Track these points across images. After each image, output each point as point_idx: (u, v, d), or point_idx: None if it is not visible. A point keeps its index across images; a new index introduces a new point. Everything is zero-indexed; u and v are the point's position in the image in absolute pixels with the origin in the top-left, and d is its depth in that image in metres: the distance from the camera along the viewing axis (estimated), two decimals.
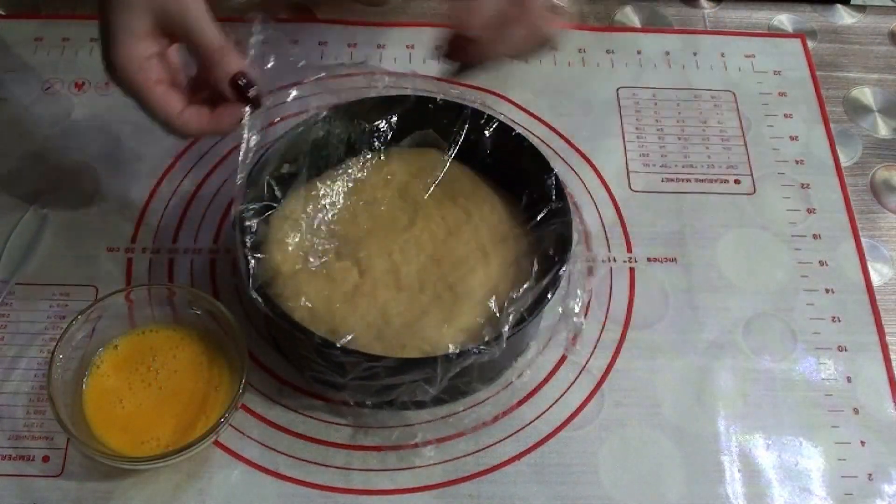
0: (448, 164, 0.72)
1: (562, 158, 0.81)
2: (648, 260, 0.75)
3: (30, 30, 0.87)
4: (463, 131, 0.73)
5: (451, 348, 0.63)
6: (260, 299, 0.62)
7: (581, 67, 0.88)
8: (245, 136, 0.61)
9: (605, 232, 0.77)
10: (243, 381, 0.61)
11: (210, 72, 0.58)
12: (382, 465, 0.64)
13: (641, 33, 0.92)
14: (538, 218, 0.71)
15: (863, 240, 0.78)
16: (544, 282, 0.65)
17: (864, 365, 0.71)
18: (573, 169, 0.81)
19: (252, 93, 0.59)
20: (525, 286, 0.67)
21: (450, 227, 0.68)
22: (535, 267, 0.68)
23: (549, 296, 0.63)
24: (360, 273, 0.66)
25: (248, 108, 0.60)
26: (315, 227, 0.68)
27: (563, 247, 0.65)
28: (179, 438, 0.61)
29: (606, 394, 0.68)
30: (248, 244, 0.64)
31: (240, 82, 0.59)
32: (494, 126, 0.72)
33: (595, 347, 0.70)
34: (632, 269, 0.75)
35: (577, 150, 0.82)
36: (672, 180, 0.81)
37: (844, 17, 0.96)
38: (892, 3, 1.01)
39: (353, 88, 0.84)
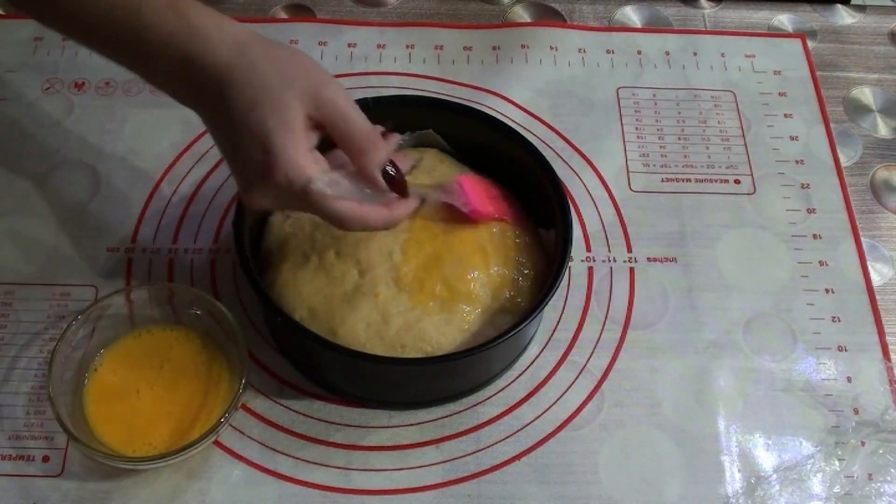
0: (448, 164, 0.72)
1: (562, 158, 0.81)
2: (648, 260, 0.75)
3: (30, 30, 0.87)
4: (463, 131, 0.73)
5: (451, 348, 0.63)
6: (260, 299, 0.62)
7: (581, 67, 0.88)
8: None
9: (605, 232, 0.77)
10: (243, 381, 0.61)
11: (359, 162, 0.56)
12: (382, 465, 0.64)
13: (641, 33, 0.92)
14: (538, 218, 0.71)
15: (863, 240, 0.78)
16: (544, 282, 0.65)
17: (864, 365, 0.71)
18: (573, 169, 0.81)
19: (406, 186, 0.59)
20: (525, 286, 0.67)
21: (450, 227, 0.68)
22: (535, 267, 0.68)
23: (549, 296, 0.63)
24: (360, 273, 0.66)
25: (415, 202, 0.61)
26: (315, 226, 0.68)
27: (563, 247, 0.65)
28: (179, 438, 0.61)
29: (606, 394, 0.68)
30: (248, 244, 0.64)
31: (389, 171, 0.58)
32: (495, 126, 0.72)
33: (595, 347, 0.70)
34: (632, 269, 0.75)
35: (577, 150, 0.82)
36: (672, 180, 0.81)
37: (844, 17, 0.96)
38: (892, 3, 1.01)
39: (353, 88, 0.85)
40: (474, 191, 0.67)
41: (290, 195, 0.54)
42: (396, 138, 0.60)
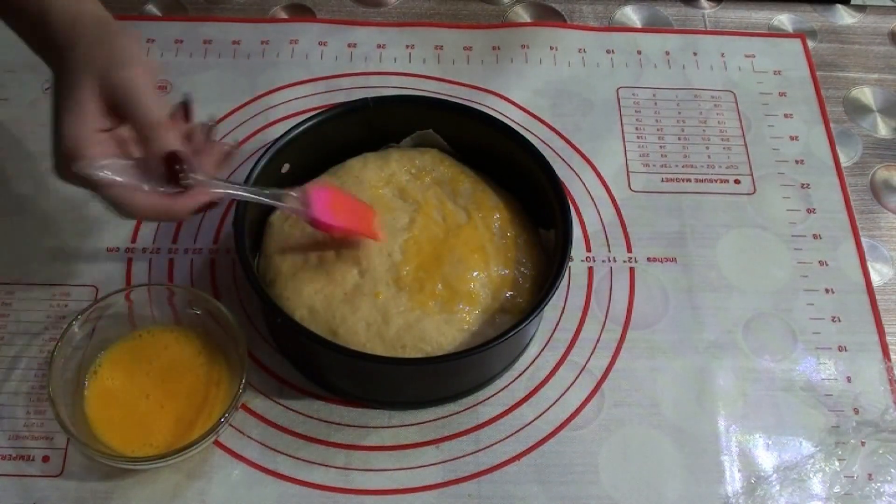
0: (448, 164, 0.73)
1: (562, 158, 0.81)
2: (648, 260, 0.75)
3: None
4: (463, 131, 0.73)
5: (451, 348, 0.63)
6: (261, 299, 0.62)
7: (581, 67, 0.88)
8: None
9: (605, 232, 0.77)
10: (243, 381, 0.61)
11: (144, 149, 0.55)
12: (382, 465, 0.64)
13: (641, 33, 0.92)
14: (538, 218, 0.71)
15: (863, 240, 0.78)
16: (544, 282, 0.65)
17: (864, 365, 0.71)
18: (573, 169, 0.81)
19: (185, 179, 0.55)
20: (525, 286, 0.67)
21: (450, 228, 0.68)
22: (535, 267, 0.68)
23: (549, 296, 0.63)
24: (360, 273, 0.66)
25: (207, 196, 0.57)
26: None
27: (563, 247, 0.65)
28: (179, 438, 0.61)
29: (606, 394, 0.68)
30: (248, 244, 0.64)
31: (175, 166, 0.55)
32: (495, 126, 0.72)
33: (595, 347, 0.70)
34: (632, 269, 0.75)
35: (577, 150, 0.82)
36: (672, 180, 0.81)
37: (844, 17, 0.96)
38: (892, 3, 1.01)
39: (353, 88, 0.85)
40: (321, 200, 0.64)
41: (78, 178, 0.54)
42: (197, 124, 0.59)
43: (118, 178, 0.54)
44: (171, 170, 0.55)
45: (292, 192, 0.63)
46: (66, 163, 0.54)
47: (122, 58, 0.55)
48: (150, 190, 0.55)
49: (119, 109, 0.55)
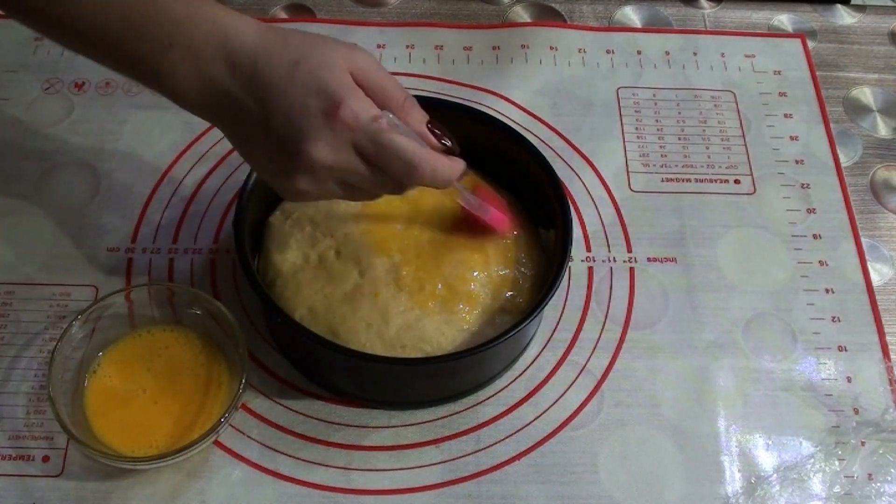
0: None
1: (562, 158, 0.81)
2: (648, 260, 0.75)
3: (30, 30, 0.87)
4: (463, 131, 0.73)
5: (451, 348, 0.63)
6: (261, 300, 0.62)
7: (581, 67, 0.88)
8: None
9: (605, 232, 0.77)
10: (243, 381, 0.61)
11: (405, 118, 0.56)
12: (382, 465, 0.64)
13: (641, 33, 0.92)
14: (538, 218, 0.71)
15: (863, 240, 0.78)
16: (544, 282, 0.65)
17: (864, 365, 0.71)
18: (573, 169, 0.81)
19: (447, 142, 0.58)
20: (525, 286, 0.67)
21: (450, 227, 0.68)
22: (535, 267, 0.68)
23: (549, 296, 0.63)
24: (360, 273, 0.66)
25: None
26: (315, 226, 0.68)
27: (563, 247, 0.65)
28: (179, 438, 0.61)
29: (606, 394, 0.68)
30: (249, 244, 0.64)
31: (435, 130, 0.57)
32: (495, 126, 0.72)
33: (595, 347, 0.70)
34: (632, 269, 0.75)
35: (577, 150, 0.82)
36: (672, 180, 0.81)
37: (844, 17, 0.96)
38: (892, 3, 1.01)
39: None
40: (494, 202, 0.67)
41: (357, 133, 0.52)
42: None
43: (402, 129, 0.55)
44: (439, 137, 0.57)
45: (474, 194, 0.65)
46: (353, 121, 0.52)
47: (350, 45, 0.55)
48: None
49: (366, 86, 0.54)
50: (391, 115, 0.54)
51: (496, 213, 0.67)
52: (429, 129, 0.57)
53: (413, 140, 0.55)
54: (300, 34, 0.55)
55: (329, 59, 0.53)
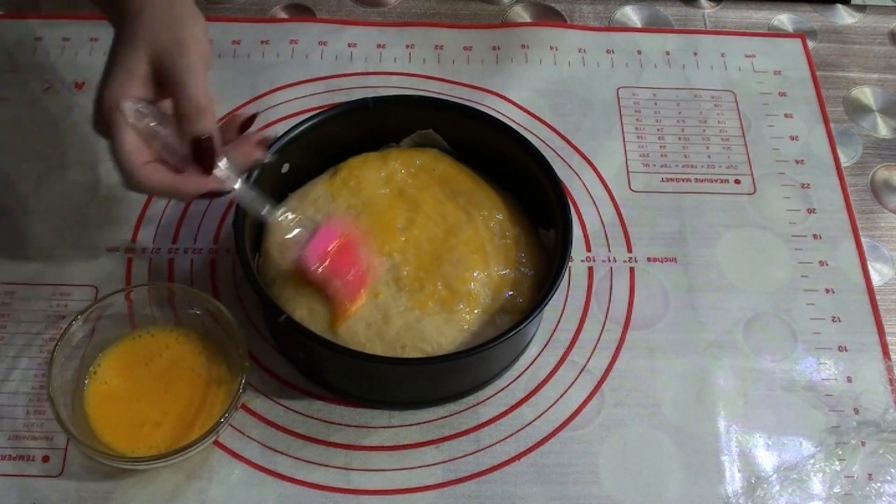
0: (448, 163, 0.73)
1: (562, 158, 0.81)
2: (648, 260, 0.75)
3: (30, 30, 0.87)
4: (463, 131, 0.73)
5: (451, 348, 0.63)
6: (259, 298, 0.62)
7: (581, 67, 0.88)
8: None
9: (605, 232, 0.77)
10: (243, 381, 0.61)
11: (180, 126, 0.56)
12: (382, 465, 0.64)
13: (641, 33, 0.92)
14: (538, 218, 0.71)
15: (863, 240, 0.78)
16: (544, 282, 0.65)
17: (864, 365, 0.71)
18: (573, 169, 0.81)
19: (213, 166, 0.57)
20: (525, 286, 0.67)
21: (450, 227, 0.68)
22: (535, 267, 0.68)
23: (549, 296, 0.63)
24: None
25: (221, 183, 0.58)
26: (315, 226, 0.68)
27: (563, 247, 0.65)
28: (179, 438, 0.61)
29: (606, 394, 0.68)
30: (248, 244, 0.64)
31: (203, 146, 0.56)
32: (494, 126, 0.72)
33: (595, 347, 0.70)
34: (632, 269, 0.75)
35: (577, 150, 0.82)
36: (672, 180, 0.81)
37: (844, 17, 0.96)
38: (892, 3, 1.01)
39: (353, 88, 0.85)
40: (323, 242, 0.63)
41: (101, 119, 0.56)
42: (258, 137, 0.60)
43: (141, 124, 0.55)
44: (198, 151, 0.56)
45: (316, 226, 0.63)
46: (103, 112, 0.55)
47: (185, 37, 0.56)
48: (164, 161, 0.56)
49: (168, 83, 0.56)
50: (139, 105, 0.55)
51: (311, 254, 0.62)
52: (196, 143, 0.56)
53: (162, 139, 0.56)
54: (165, 10, 0.57)
55: (134, 44, 0.56)
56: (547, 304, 0.63)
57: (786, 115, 0.86)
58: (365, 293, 0.64)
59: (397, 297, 0.64)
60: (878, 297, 0.75)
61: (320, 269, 0.62)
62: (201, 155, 0.56)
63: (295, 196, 0.71)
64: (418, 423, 0.66)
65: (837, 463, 0.66)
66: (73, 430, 0.59)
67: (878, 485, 0.65)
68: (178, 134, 0.56)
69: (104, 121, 0.56)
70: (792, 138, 0.84)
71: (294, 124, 0.70)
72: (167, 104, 0.57)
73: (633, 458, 0.65)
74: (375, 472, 0.64)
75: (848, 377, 0.70)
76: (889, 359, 0.71)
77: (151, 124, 0.56)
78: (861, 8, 0.96)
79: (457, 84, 0.86)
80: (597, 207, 0.78)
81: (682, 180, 0.81)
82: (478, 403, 0.67)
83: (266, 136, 0.61)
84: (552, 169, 0.69)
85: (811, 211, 0.79)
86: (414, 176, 0.71)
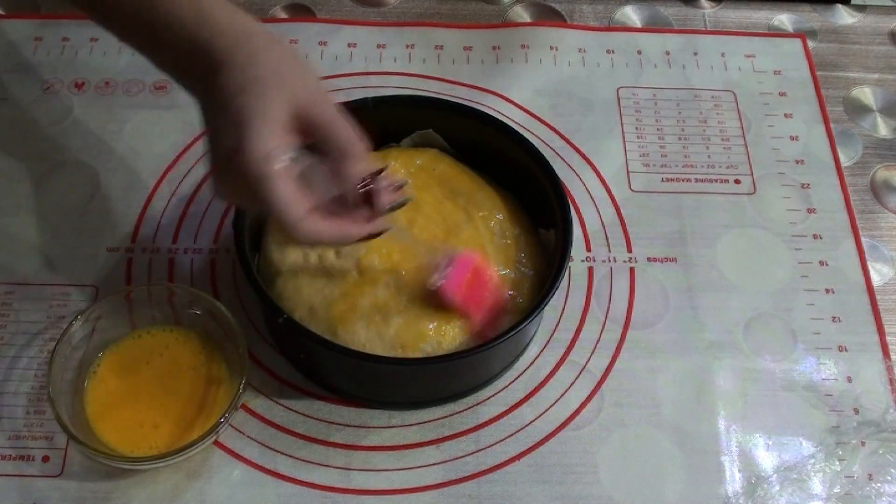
0: (448, 163, 0.72)
1: (562, 158, 0.81)
2: (648, 260, 0.75)
3: (30, 30, 0.87)
4: (463, 131, 0.73)
5: (451, 348, 0.63)
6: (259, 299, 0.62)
7: (581, 67, 0.88)
8: None
9: (605, 232, 0.77)
10: (243, 381, 0.61)
11: (342, 168, 0.55)
12: (382, 465, 0.64)
13: (641, 33, 0.92)
14: (538, 218, 0.71)
15: (863, 240, 0.78)
16: (544, 282, 0.65)
17: (864, 365, 0.71)
18: (573, 169, 0.81)
19: (377, 204, 0.57)
20: (525, 286, 0.67)
21: (450, 228, 0.68)
22: (535, 267, 0.68)
23: (549, 296, 0.63)
24: (359, 273, 0.66)
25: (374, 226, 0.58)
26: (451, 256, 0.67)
27: (563, 247, 0.65)
28: (179, 438, 0.61)
29: (606, 394, 0.68)
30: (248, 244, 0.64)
31: (374, 188, 0.56)
32: (494, 126, 0.72)
33: (595, 347, 0.70)
34: (632, 269, 0.75)
35: (577, 150, 0.82)
36: (672, 180, 0.81)
37: (844, 17, 0.96)
38: (892, 3, 1.01)
39: (353, 88, 0.85)
40: (461, 274, 0.63)
41: (248, 175, 0.52)
42: (393, 182, 0.59)
43: (296, 171, 0.53)
44: (368, 193, 0.56)
45: (444, 255, 0.63)
46: (250, 168, 0.51)
47: (315, 83, 0.56)
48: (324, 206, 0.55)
49: (316, 128, 0.54)
50: (292, 154, 0.53)
51: (453, 287, 0.63)
52: (365, 185, 0.56)
53: (318, 186, 0.55)
54: (273, 51, 0.54)
55: (272, 95, 0.53)
56: (547, 304, 0.63)
57: (786, 115, 0.86)
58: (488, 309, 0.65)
59: (397, 297, 0.64)
60: (878, 297, 0.75)
61: (458, 297, 0.63)
62: (372, 196, 0.57)
63: None
64: (418, 423, 0.66)
65: (837, 463, 0.66)
66: (73, 430, 0.59)
67: (879, 485, 0.65)
68: (339, 176, 0.55)
69: (252, 177, 0.51)
70: (792, 138, 0.84)
71: None
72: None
73: (633, 458, 0.65)
74: (375, 472, 0.64)
75: (848, 377, 0.70)
76: (889, 359, 0.71)
77: (304, 170, 0.54)
78: (861, 8, 0.96)
79: (457, 84, 0.86)
80: (597, 207, 0.78)
81: (682, 180, 0.81)
82: (478, 403, 0.67)
83: (402, 181, 0.61)
84: (552, 169, 0.69)
85: (811, 211, 0.79)
86: (414, 176, 0.71)
